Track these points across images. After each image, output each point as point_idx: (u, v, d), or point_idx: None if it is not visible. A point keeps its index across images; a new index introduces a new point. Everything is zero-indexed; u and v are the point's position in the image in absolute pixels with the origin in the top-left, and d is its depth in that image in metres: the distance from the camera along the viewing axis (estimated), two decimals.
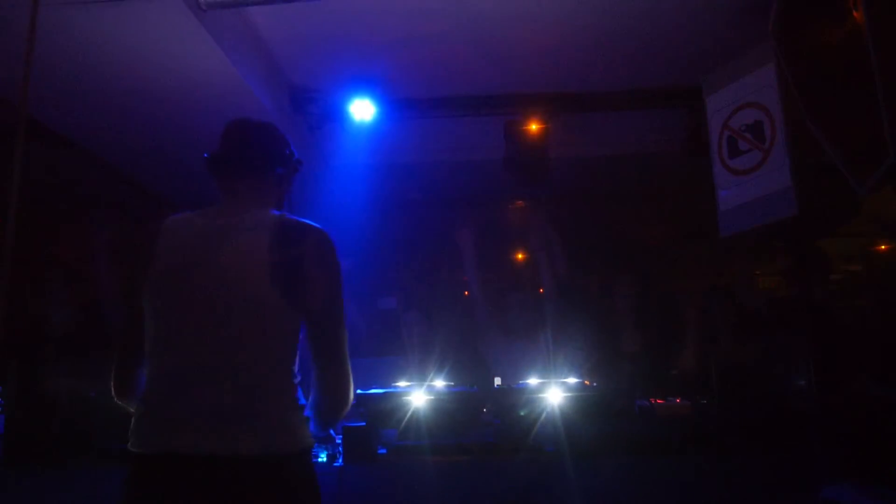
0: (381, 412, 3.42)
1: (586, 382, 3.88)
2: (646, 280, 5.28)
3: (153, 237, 1.73)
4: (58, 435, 3.30)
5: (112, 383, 1.77)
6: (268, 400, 1.61)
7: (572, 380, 3.74)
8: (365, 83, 4.91)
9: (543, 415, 3.35)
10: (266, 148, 1.89)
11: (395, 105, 5.15)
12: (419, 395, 3.45)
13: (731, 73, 4.12)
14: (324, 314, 1.71)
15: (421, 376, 3.97)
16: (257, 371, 1.61)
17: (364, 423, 3.22)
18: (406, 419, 3.37)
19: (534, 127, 5.22)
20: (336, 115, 5.06)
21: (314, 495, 1.64)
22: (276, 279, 1.62)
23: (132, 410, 1.70)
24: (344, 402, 1.74)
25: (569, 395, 3.41)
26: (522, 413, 3.46)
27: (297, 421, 1.65)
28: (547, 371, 4.13)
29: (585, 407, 3.40)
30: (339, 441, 3.10)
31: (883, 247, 5.53)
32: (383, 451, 3.35)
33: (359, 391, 3.48)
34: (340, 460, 3.06)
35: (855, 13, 2.69)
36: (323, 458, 3.03)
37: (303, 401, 1.71)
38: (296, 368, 1.71)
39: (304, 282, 1.66)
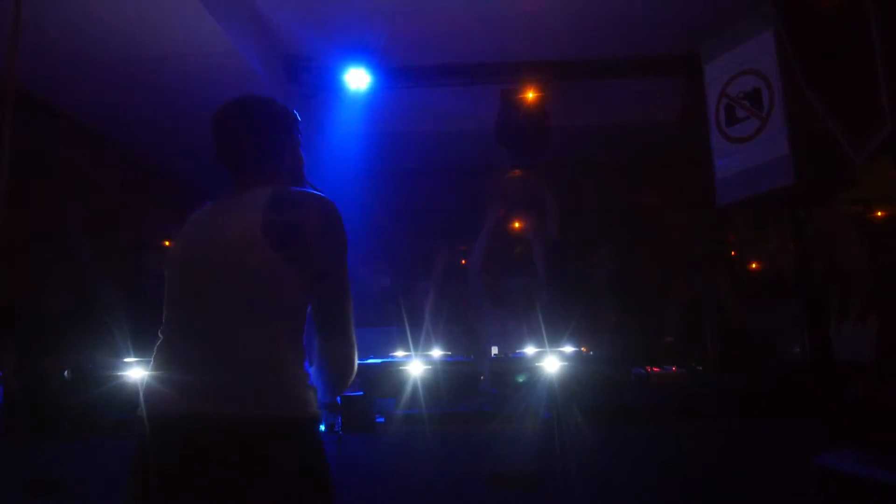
0: (379, 382, 3.43)
1: (583, 350, 3.89)
2: (643, 248, 5.29)
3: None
4: (56, 406, 3.31)
5: None
6: (270, 365, 1.61)
7: (569, 348, 3.76)
8: (360, 52, 4.84)
9: (540, 383, 3.37)
10: (251, 137, 1.81)
11: (391, 74, 5.10)
12: (417, 364, 3.46)
13: (730, 40, 4.07)
14: (327, 283, 1.69)
15: (418, 346, 3.98)
16: (258, 336, 1.61)
17: (362, 393, 3.23)
18: (404, 389, 3.39)
19: (530, 95, 5.17)
20: (331, 84, 5.01)
21: (319, 461, 1.66)
22: (271, 240, 1.61)
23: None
24: (348, 374, 1.73)
25: (565, 363, 3.42)
26: (520, 380, 3.48)
27: (301, 387, 1.65)
28: (543, 340, 4.14)
29: (582, 375, 3.42)
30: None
31: (879, 213, 5.53)
32: (381, 419, 3.37)
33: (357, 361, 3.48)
34: (339, 429, 3.08)
35: None
36: (321, 426, 3.04)
37: (308, 369, 1.71)
38: (302, 337, 1.70)
39: (306, 246, 1.65)
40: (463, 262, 4.98)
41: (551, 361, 3.40)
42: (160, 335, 1.71)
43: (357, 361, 1.75)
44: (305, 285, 1.67)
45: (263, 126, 1.84)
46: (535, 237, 4.71)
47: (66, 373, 3.35)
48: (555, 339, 3.91)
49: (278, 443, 1.56)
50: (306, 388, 1.68)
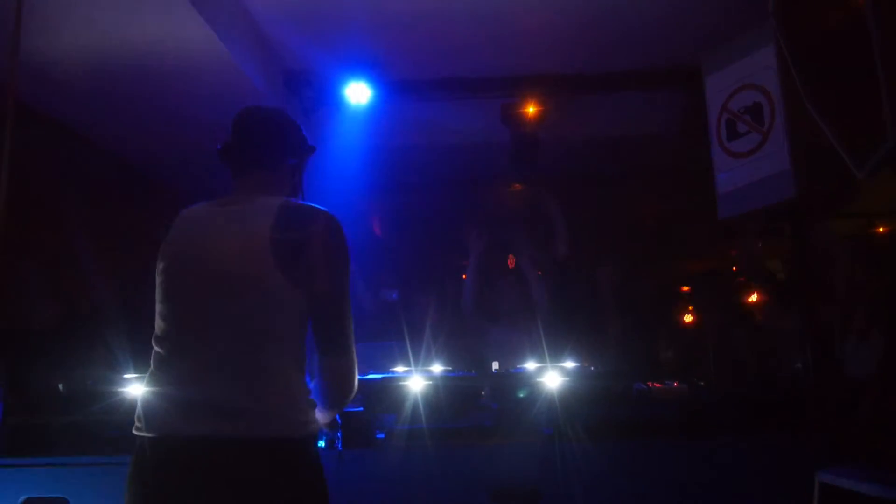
0: (379, 397, 3.41)
1: (585, 365, 3.88)
2: (644, 263, 5.28)
3: (169, 228, 1.76)
4: (56, 423, 3.29)
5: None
6: (274, 383, 1.60)
7: (570, 363, 3.74)
8: (360, 66, 4.86)
9: (541, 398, 3.35)
10: (277, 139, 1.88)
11: (391, 88, 5.11)
12: (417, 379, 3.44)
13: (731, 54, 4.08)
14: (328, 299, 1.68)
15: (419, 361, 3.96)
16: (262, 354, 1.60)
17: (362, 409, 3.22)
18: (404, 404, 3.37)
19: (531, 109, 5.19)
20: (331, 98, 5.02)
21: (318, 480, 1.64)
22: (279, 260, 1.61)
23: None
24: (348, 391, 1.73)
25: (567, 378, 3.40)
26: (521, 395, 3.46)
27: (303, 406, 1.65)
28: (544, 355, 4.12)
29: (583, 390, 3.40)
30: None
31: (881, 228, 5.52)
32: (381, 435, 3.35)
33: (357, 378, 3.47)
34: (339, 445, 3.06)
35: None
36: (321, 443, 3.02)
37: (310, 384, 1.71)
38: (303, 353, 1.69)
39: (310, 264, 1.64)
40: (464, 276, 4.97)
41: (552, 376, 3.38)
42: (155, 346, 1.69)
43: (358, 378, 1.75)
44: (308, 302, 1.67)
45: (291, 139, 1.91)
46: (530, 254, 4.69)
47: (60, 386, 3.32)
48: (556, 355, 3.89)
49: (277, 463, 1.55)
50: (307, 407, 1.67)
